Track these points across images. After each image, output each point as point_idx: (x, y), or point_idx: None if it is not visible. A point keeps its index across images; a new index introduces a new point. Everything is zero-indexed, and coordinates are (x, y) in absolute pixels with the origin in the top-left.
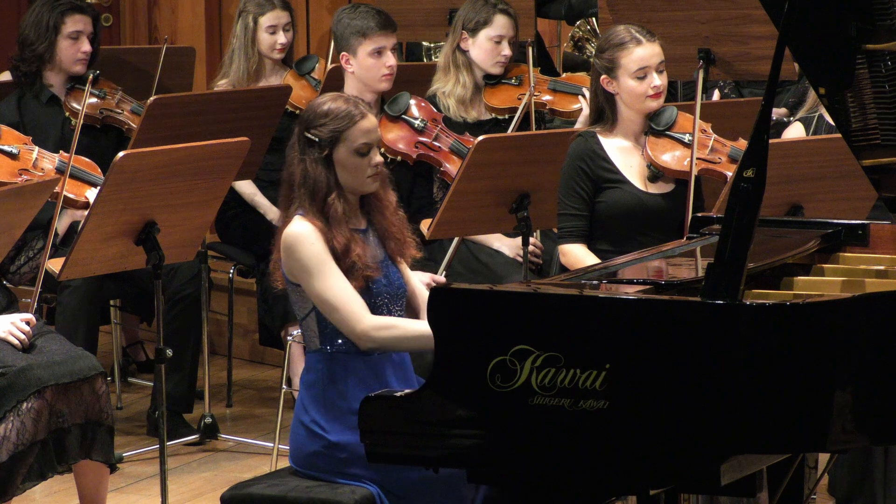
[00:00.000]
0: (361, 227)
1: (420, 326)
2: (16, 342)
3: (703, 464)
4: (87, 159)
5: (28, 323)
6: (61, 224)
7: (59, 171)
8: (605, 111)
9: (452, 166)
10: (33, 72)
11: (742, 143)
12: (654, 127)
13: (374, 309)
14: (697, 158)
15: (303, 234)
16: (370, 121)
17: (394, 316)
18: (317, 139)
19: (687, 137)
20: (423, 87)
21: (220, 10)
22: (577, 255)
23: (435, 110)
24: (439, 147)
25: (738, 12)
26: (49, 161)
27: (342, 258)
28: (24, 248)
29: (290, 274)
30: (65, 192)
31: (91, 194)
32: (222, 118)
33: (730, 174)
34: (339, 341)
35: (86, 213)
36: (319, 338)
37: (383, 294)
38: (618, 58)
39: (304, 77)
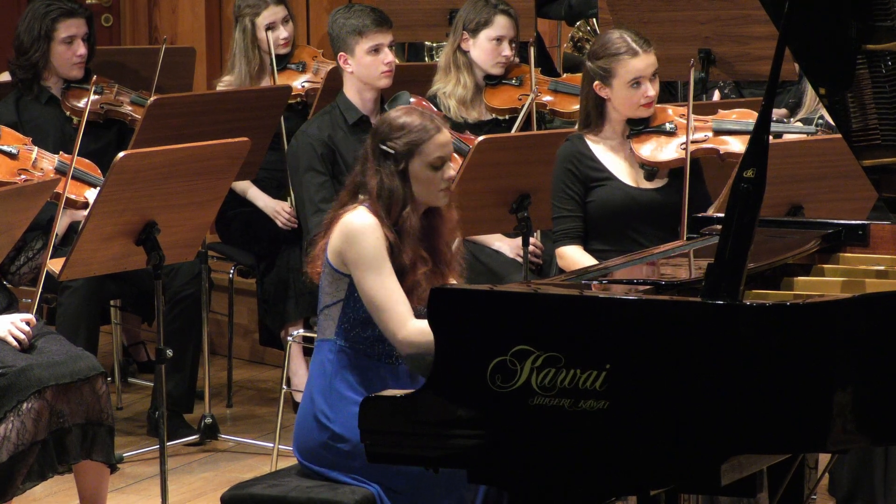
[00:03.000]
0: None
1: None
2: (15, 343)
3: (703, 464)
4: (86, 160)
5: (28, 323)
6: (60, 224)
7: (59, 171)
8: (591, 116)
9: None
10: (30, 78)
11: (722, 115)
12: (633, 129)
13: None
14: (686, 144)
15: (368, 225)
16: (445, 135)
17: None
18: (392, 151)
19: (668, 126)
20: (424, 87)
21: (221, 11)
22: (574, 256)
23: (435, 109)
24: None
25: (738, 12)
26: (48, 161)
27: (406, 274)
28: (23, 248)
29: (341, 262)
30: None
31: (90, 194)
32: (222, 118)
33: (721, 148)
34: (350, 340)
35: (84, 213)
36: (335, 329)
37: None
38: (613, 68)
39: (287, 69)
